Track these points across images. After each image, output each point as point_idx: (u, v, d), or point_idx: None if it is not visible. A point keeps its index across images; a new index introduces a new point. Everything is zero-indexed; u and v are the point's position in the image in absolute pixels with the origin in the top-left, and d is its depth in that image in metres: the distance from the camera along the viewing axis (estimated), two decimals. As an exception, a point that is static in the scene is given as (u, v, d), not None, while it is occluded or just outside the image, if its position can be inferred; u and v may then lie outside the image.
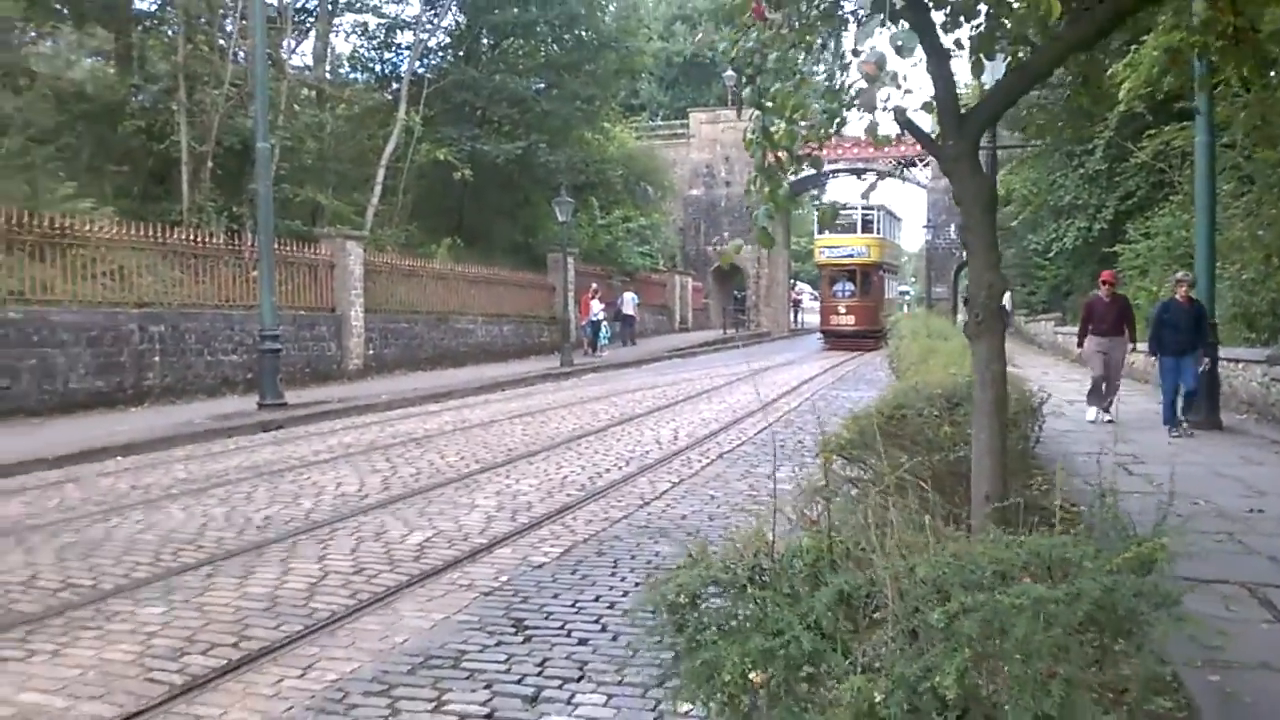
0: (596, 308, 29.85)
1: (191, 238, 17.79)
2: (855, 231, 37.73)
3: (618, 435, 13.13)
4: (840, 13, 3.55)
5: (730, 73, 50.58)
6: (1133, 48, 14.89)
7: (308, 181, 23.09)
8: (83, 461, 11.09)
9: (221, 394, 17.25)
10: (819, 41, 3.85)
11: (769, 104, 3.62)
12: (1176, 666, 3.84)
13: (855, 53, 3.31)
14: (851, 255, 37.51)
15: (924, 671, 2.52)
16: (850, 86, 4.06)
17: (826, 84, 3.97)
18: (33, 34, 20.75)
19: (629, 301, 35.04)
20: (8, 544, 7.31)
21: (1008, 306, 40.68)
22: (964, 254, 19.71)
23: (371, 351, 21.91)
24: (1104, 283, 12.92)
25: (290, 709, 4.27)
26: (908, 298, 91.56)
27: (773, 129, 3.78)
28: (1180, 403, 11.38)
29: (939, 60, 3.94)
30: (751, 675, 2.77)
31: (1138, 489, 7.58)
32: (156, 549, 7.07)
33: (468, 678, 4.60)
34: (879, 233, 39.24)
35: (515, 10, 30.56)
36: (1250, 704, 3.55)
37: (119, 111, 19.92)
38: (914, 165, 36.85)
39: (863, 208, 36.71)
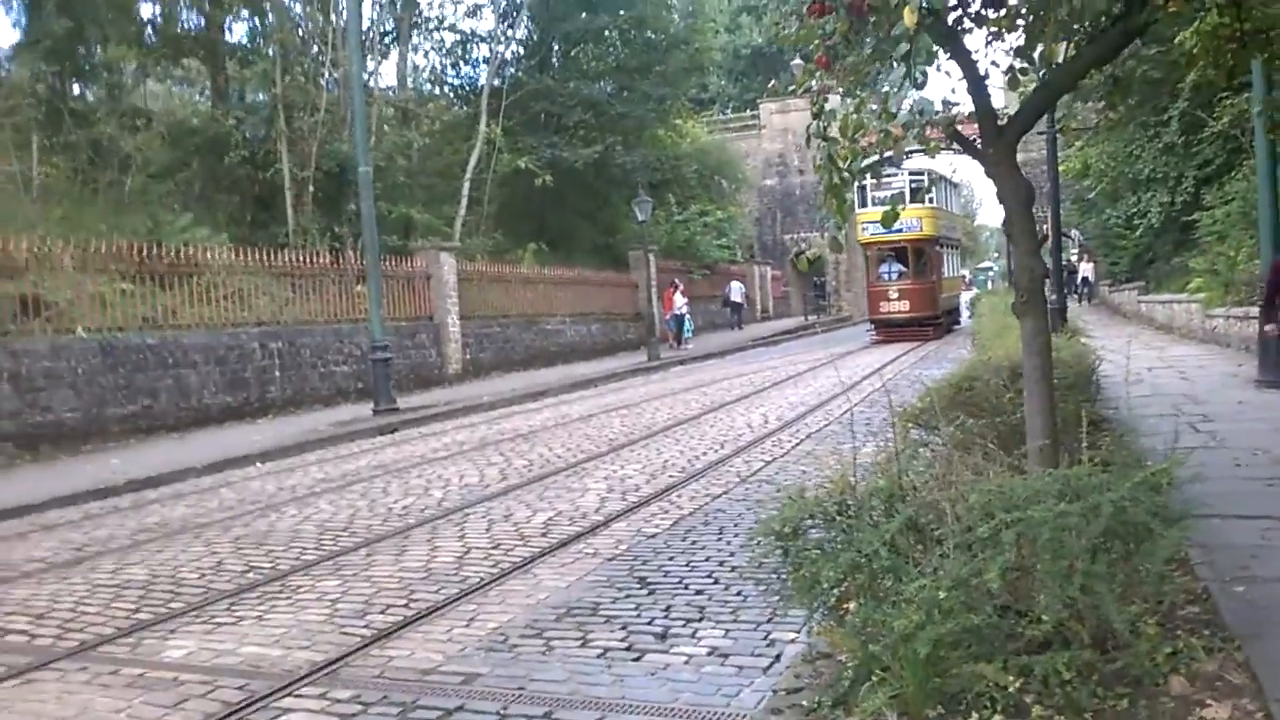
0: (680, 301, 30.68)
1: (299, 259, 19.09)
2: (903, 202, 29.95)
3: (710, 422, 13.93)
4: (890, 55, 4.28)
5: (799, 61, 51.13)
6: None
7: (399, 198, 24.34)
8: (228, 468, 12.29)
9: (336, 403, 18.50)
10: (873, 74, 4.59)
11: (834, 135, 4.39)
12: (1208, 582, 4.55)
13: (914, 79, 4.02)
14: (900, 230, 28.67)
15: (975, 573, 3.32)
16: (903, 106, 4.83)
17: (882, 108, 4.71)
18: (142, 74, 22.35)
19: (736, 290, 39.24)
20: (188, 538, 8.41)
21: (1090, 278, 40.42)
22: (1046, 227, 20.09)
23: (468, 355, 23.07)
24: None
25: (464, 649, 5.18)
26: (991, 273, 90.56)
27: (837, 153, 4.55)
28: None
29: (976, 82, 4.69)
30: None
31: (1200, 444, 8.21)
32: (317, 536, 8.10)
33: (605, 622, 5.46)
34: (933, 202, 31.52)
35: (585, 17, 31.58)
36: (1261, 605, 4.23)
37: (224, 143, 21.36)
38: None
39: (910, 173, 29.13)
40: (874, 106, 4.68)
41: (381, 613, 5.90)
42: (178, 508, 9.99)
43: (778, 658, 4.75)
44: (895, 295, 30.35)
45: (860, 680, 3.57)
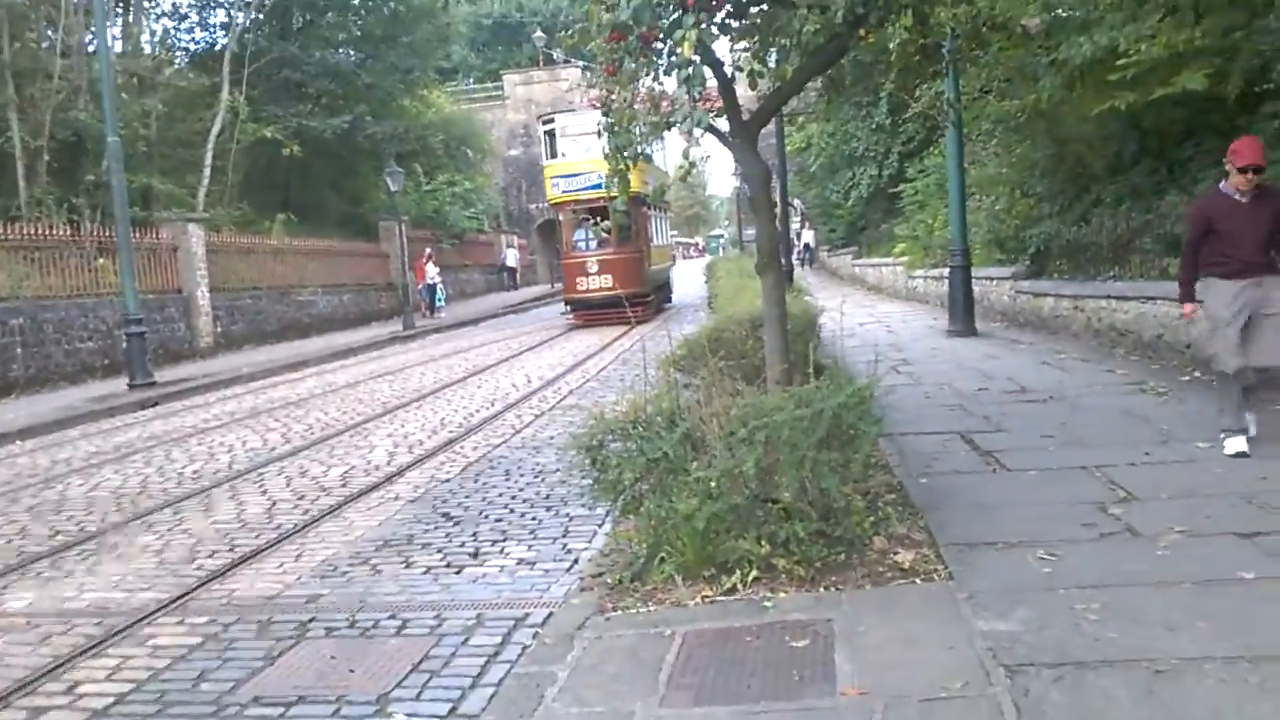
0: (432, 271, 31.04)
1: (35, 231, 18.29)
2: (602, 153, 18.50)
3: (476, 384, 14.76)
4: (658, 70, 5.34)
5: (540, 33, 51.98)
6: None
7: (138, 168, 23.45)
8: (-14, 446, 12.01)
9: (83, 380, 17.92)
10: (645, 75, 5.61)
11: (618, 129, 5.38)
12: (901, 478, 5.93)
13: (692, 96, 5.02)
14: (600, 186, 21.13)
15: (736, 465, 4.43)
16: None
17: (650, 103, 5.76)
18: None
19: (511, 256, 43.27)
20: (-24, 510, 8.47)
21: (812, 244, 43.73)
22: (776, 196, 21.98)
23: (220, 329, 22.70)
24: (1243, 168, 5.95)
25: (299, 578, 5.87)
26: (723, 240, 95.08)
27: (619, 143, 5.54)
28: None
29: (726, 86, 5.81)
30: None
31: (901, 383, 9.89)
32: (115, 501, 8.38)
33: (422, 549, 6.29)
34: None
35: (326, -16, 31.21)
36: (937, 489, 5.65)
37: (-59, 111, 20.04)
38: (720, 116, 38.27)
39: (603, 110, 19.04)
40: (645, 105, 5.71)
41: (209, 557, 6.46)
42: (-53, 484, 9.86)
43: (575, 561, 5.75)
44: (595, 268, 24.46)
45: (652, 558, 4.64)
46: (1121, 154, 12.94)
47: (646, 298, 24.74)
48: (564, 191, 24.85)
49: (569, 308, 25.66)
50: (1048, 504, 5.38)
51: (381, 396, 14.00)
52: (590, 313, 24.32)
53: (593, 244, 25.08)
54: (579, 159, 23.91)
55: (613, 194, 5.60)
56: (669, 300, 30.22)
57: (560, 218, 26.09)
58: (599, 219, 24.37)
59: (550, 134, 25.25)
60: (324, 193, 32.58)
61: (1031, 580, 4.26)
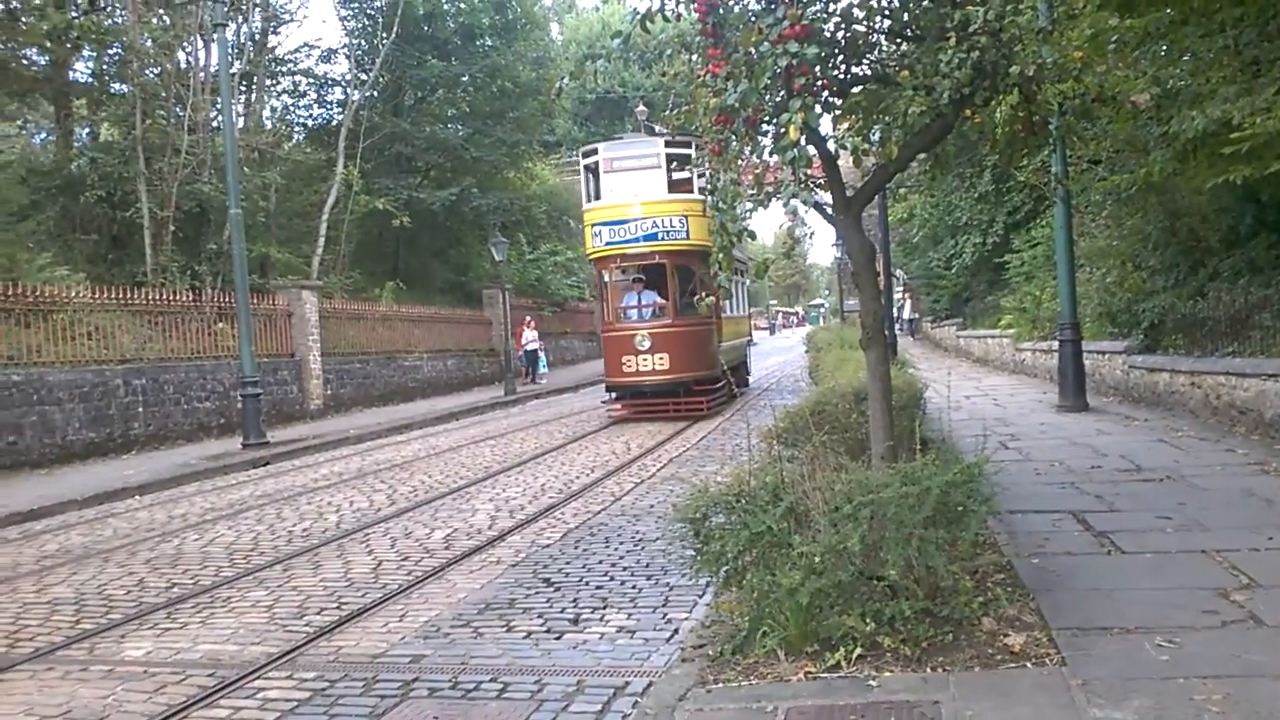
0: (530, 337, 31.48)
1: (159, 297, 19.19)
2: (661, 193, 18.50)
3: (577, 450, 14.87)
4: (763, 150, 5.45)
5: (642, 107, 53.01)
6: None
7: (257, 238, 24.51)
8: (108, 501, 12.52)
9: (199, 439, 18.61)
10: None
11: (723, 205, 5.47)
12: (1011, 557, 5.79)
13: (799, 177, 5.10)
14: (655, 237, 18.48)
15: (840, 541, 4.40)
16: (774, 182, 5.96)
17: (757, 180, 5.85)
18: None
19: None
20: (98, 562, 8.82)
21: (915, 316, 43.22)
22: (879, 266, 21.92)
23: (329, 391, 23.37)
24: None
25: (403, 638, 5.98)
26: (823, 309, 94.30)
27: (725, 220, 5.62)
28: None
29: (830, 163, 5.87)
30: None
31: (1009, 458, 9.68)
32: (228, 556, 8.66)
33: (523, 613, 6.35)
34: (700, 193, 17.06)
35: (438, 64, 32.38)
36: (1049, 571, 5.50)
37: (79, 184, 21.24)
38: (824, 190, 38.17)
39: (666, 141, 18.59)
40: (749, 179, 5.79)
41: (318, 614, 6.63)
42: (72, 536, 10.29)
43: (676, 631, 5.74)
44: (646, 345, 18.38)
45: (755, 631, 4.61)
46: (1238, 227, 12.62)
47: (715, 385, 19.15)
48: (608, 243, 18.88)
49: (611, 395, 19.52)
50: (1165, 589, 5.20)
51: (483, 461, 14.21)
52: (640, 403, 18.87)
53: (645, 313, 19.15)
54: (627, 201, 18.51)
55: (718, 270, 5.64)
56: (745, 385, 24.59)
57: (604, 277, 19.90)
58: (685, 283, 18.54)
59: (592, 169, 19.40)
60: (431, 261, 33.57)
61: (1149, 668, 4.12)
